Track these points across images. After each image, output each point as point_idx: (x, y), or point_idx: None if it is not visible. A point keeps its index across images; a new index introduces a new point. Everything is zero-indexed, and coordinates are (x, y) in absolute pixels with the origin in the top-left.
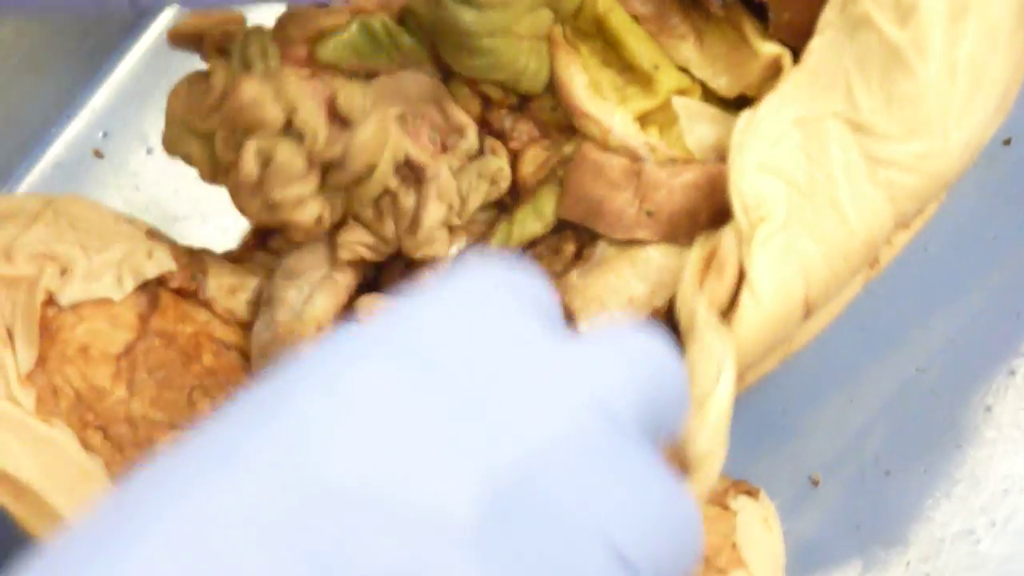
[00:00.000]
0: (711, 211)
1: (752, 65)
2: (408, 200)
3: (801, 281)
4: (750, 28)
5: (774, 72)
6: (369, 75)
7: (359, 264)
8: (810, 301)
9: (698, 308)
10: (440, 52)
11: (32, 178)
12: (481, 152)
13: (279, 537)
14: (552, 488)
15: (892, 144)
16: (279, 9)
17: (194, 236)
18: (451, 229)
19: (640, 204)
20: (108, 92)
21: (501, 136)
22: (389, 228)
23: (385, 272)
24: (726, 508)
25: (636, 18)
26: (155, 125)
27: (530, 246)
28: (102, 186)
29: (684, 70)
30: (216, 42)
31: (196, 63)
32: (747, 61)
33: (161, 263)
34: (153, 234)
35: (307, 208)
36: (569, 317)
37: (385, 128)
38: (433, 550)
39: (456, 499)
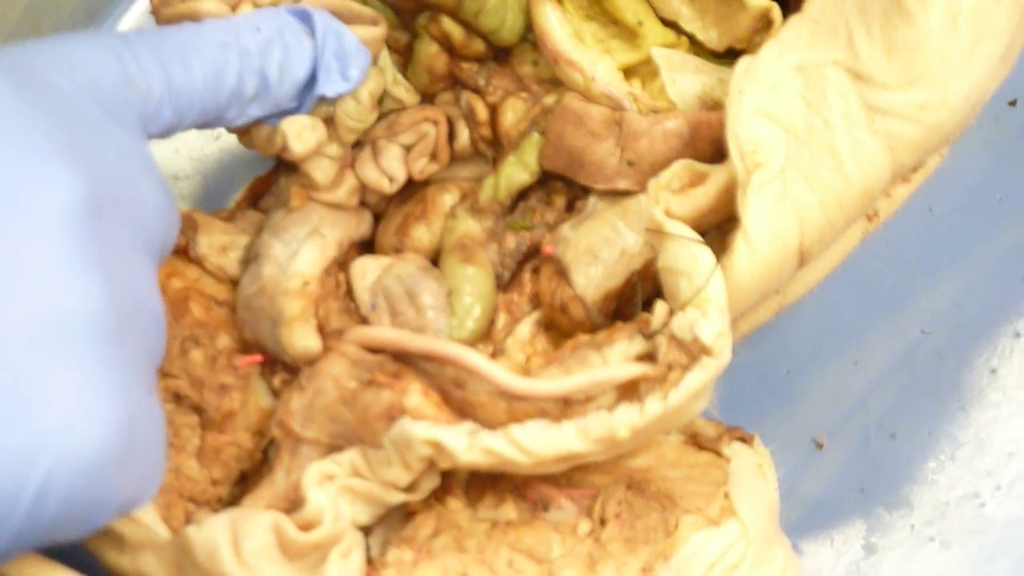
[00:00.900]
0: (693, 160)
1: (741, 18)
2: None
3: (796, 228)
4: None
5: (763, 25)
6: None
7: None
8: (804, 249)
9: (655, 214)
10: None
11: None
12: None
13: None
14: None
15: (892, 93)
16: None
17: (195, 195)
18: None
19: (621, 153)
20: None
21: (477, 91)
22: None
23: (379, 232)
24: (719, 455)
25: None
26: None
27: (521, 197)
28: None
29: (673, 24)
30: None
31: None
32: (736, 14)
33: None
34: None
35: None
36: (560, 272)
37: None
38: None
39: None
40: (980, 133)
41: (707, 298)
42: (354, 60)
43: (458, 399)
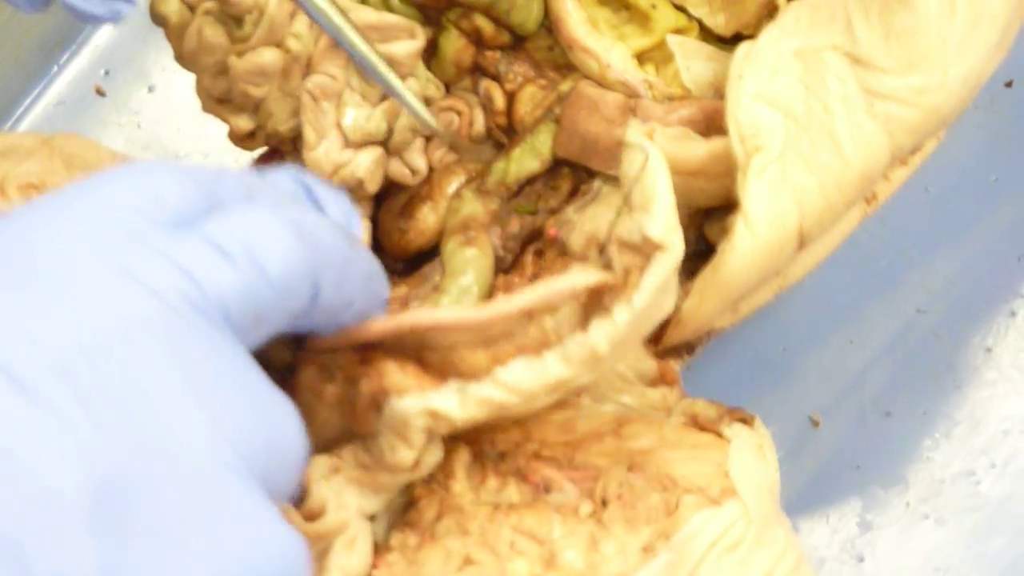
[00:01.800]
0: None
1: (748, 4)
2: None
3: (796, 211)
4: None
5: (770, 11)
6: None
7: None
8: (804, 232)
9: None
10: None
11: (34, 116)
12: (476, 94)
13: None
14: (130, 366)
15: (890, 77)
16: None
17: None
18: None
19: None
20: (110, 30)
21: (496, 79)
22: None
23: (382, 214)
24: (720, 436)
25: None
26: (157, 63)
27: (528, 183)
28: (103, 124)
29: (681, 9)
30: None
31: None
32: (743, 0)
33: None
34: None
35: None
36: (564, 254)
37: None
38: (44, 520)
39: (62, 475)
40: (976, 114)
41: (650, 197)
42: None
43: (436, 362)
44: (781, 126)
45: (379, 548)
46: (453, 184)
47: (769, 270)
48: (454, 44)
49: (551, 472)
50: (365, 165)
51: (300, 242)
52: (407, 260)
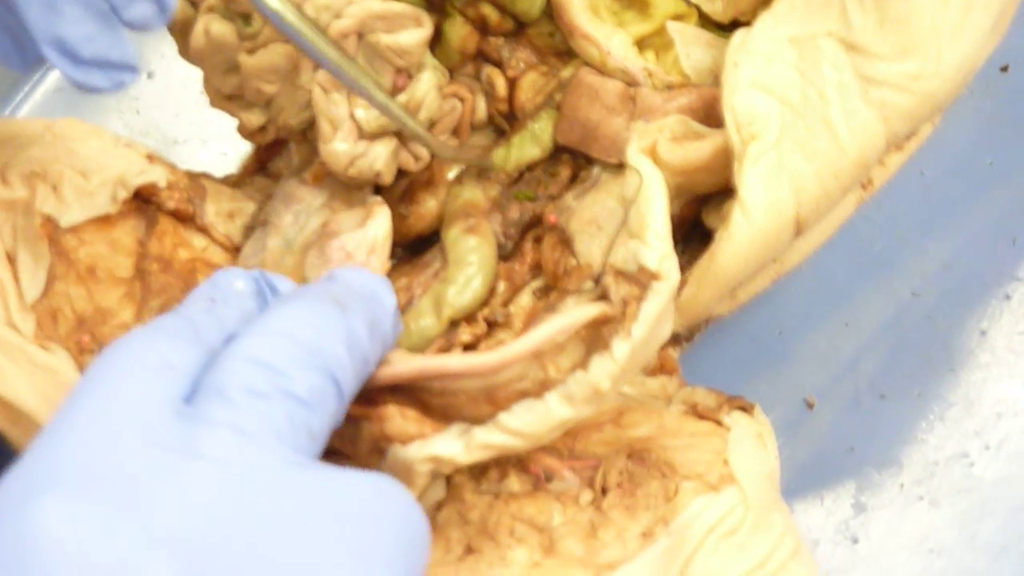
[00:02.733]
0: None
1: None
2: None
3: (792, 199)
4: None
5: None
6: None
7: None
8: (801, 219)
9: (628, 148)
10: None
11: (34, 102)
12: (478, 80)
13: None
14: (238, 544)
15: (885, 64)
16: None
17: (194, 160)
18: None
19: None
20: None
21: (499, 65)
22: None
23: (384, 195)
24: (719, 424)
25: None
26: (156, 50)
27: (528, 170)
28: (103, 110)
29: None
30: None
31: None
32: None
33: (152, 175)
34: (152, 158)
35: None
36: (564, 241)
37: None
38: None
39: None
40: (971, 99)
41: (645, 225)
42: None
43: (438, 405)
44: (777, 114)
45: None
46: (453, 170)
47: (766, 257)
48: (459, 31)
49: (552, 461)
50: (383, 157)
51: (307, 354)
52: (407, 245)
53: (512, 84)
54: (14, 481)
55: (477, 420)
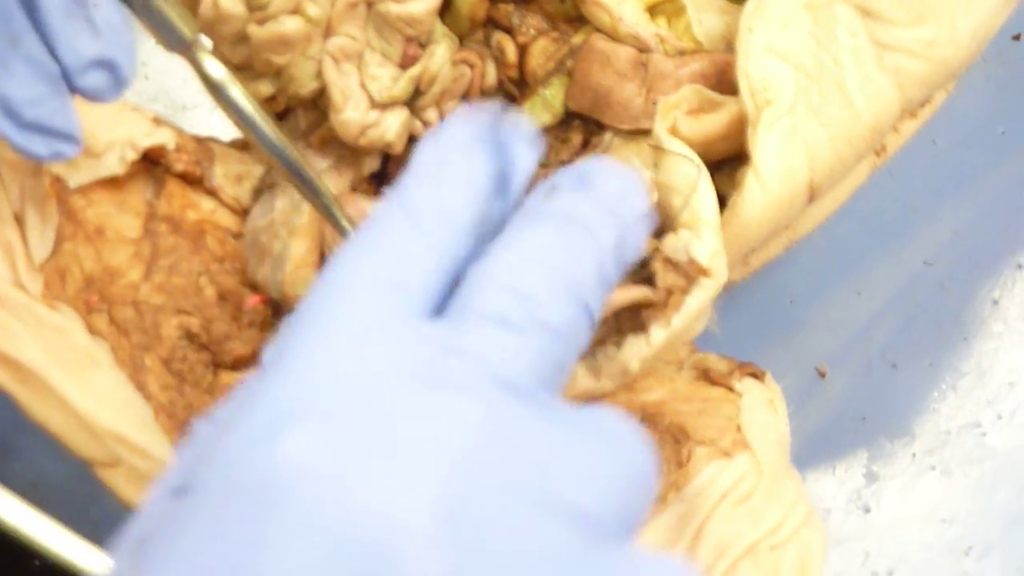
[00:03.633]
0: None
1: None
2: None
3: (806, 165)
4: None
5: None
6: None
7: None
8: (815, 185)
9: (659, 132)
10: None
11: None
12: (488, 46)
13: None
14: (488, 483)
15: (900, 30)
16: None
17: (202, 125)
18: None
19: (647, 94)
20: None
21: (509, 31)
22: None
23: (392, 164)
24: (731, 390)
25: None
26: None
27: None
28: None
29: None
30: None
31: None
32: None
33: (161, 137)
34: (159, 122)
35: None
36: None
37: None
38: None
39: (416, 543)
40: (984, 67)
41: (700, 218)
42: None
43: None
44: (791, 79)
45: None
46: None
47: (780, 224)
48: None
49: None
50: (395, 128)
51: (562, 283)
52: None
53: (522, 50)
54: (256, 413)
55: None
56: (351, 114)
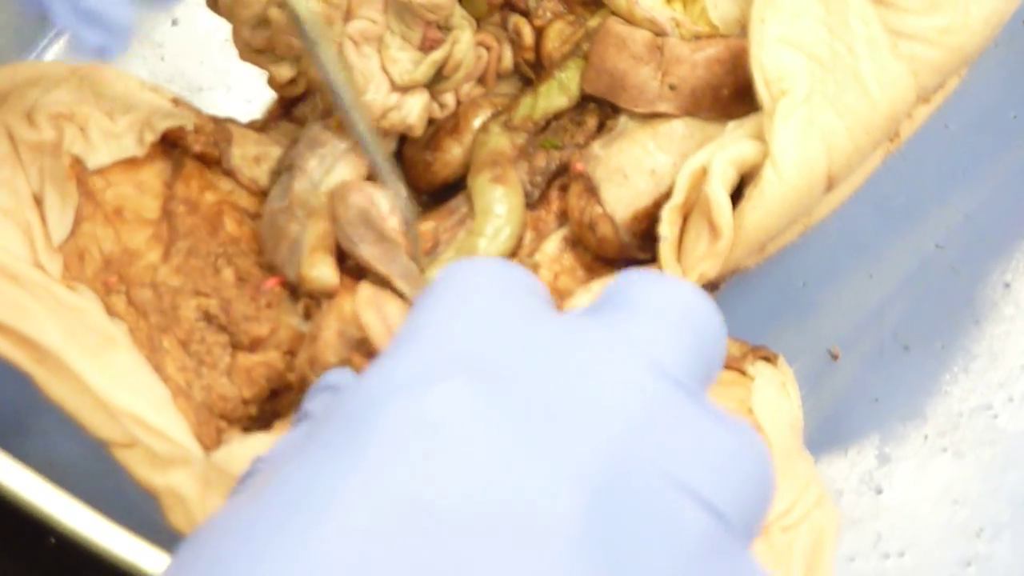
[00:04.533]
0: (734, 85)
1: None
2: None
3: (824, 155)
4: None
5: None
6: None
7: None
8: (832, 174)
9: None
10: None
11: (58, 48)
12: (504, 29)
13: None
14: (640, 466)
15: (914, 17)
16: None
17: (218, 106)
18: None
19: (663, 78)
20: None
21: (526, 14)
22: None
23: (407, 146)
24: (743, 373)
25: None
26: None
27: (554, 118)
28: (127, 56)
29: None
30: None
31: None
32: None
33: (179, 119)
34: (178, 102)
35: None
36: (590, 189)
37: None
38: (544, 563)
39: (558, 508)
40: (996, 52)
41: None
42: None
43: None
44: (806, 69)
45: None
46: (479, 118)
47: (798, 213)
48: None
49: None
50: (416, 111)
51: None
52: (432, 192)
53: (539, 33)
54: (412, 364)
55: None
56: (372, 96)
